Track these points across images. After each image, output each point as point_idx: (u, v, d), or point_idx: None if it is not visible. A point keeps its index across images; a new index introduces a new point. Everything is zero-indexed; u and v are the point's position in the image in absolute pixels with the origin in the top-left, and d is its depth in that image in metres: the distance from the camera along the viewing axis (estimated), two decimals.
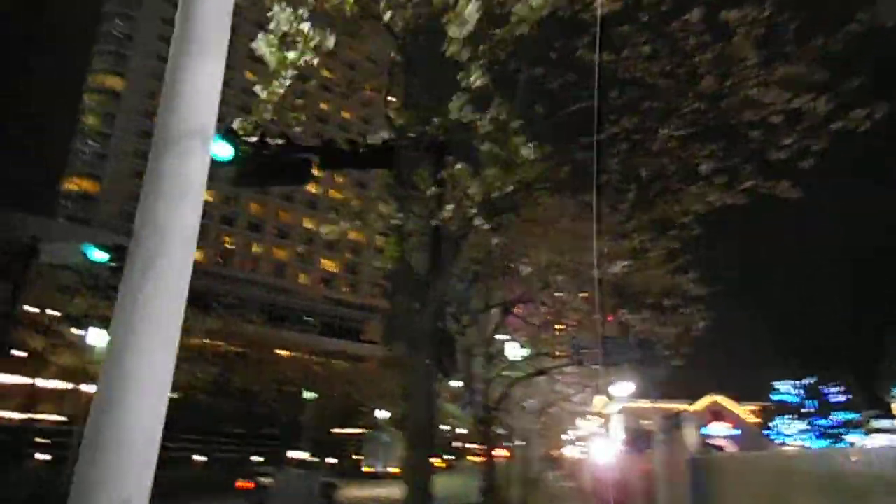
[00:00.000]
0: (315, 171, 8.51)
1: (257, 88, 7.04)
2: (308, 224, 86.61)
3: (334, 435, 50.03)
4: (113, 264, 15.78)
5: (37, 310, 21.46)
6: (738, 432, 54.66)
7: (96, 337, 19.40)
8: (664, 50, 7.53)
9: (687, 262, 13.01)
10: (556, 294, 12.38)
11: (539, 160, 7.10)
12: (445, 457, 51.47)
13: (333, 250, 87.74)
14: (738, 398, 64.45)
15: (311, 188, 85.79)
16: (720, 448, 28.45)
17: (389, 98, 8.84)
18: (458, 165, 7.47)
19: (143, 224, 1.85)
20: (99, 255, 15.21)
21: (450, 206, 7.30)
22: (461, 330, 14.01)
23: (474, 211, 7.21)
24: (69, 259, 16.20)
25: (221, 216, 79.87)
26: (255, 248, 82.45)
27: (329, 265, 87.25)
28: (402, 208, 8.46)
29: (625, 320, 13.97)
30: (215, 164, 8.79)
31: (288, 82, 6.80)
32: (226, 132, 7.57)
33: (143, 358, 1.67)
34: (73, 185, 73.90)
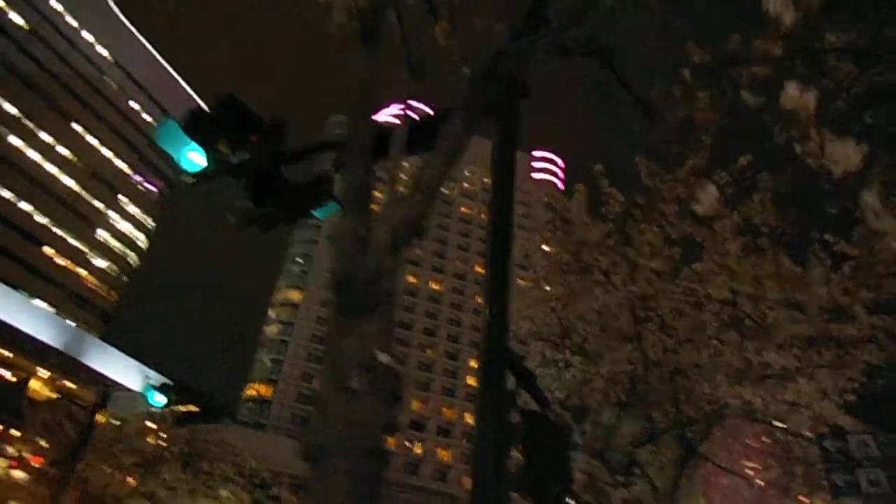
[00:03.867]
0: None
1: None
2: (470, 419, 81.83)
3: None
4: (176, 407, 13.44)
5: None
6: None
7: None
8: None
9: None
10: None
11: None
12: None
13: None
14: None
15: (470, 380, 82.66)
16: None
17: None
18: None
19: None
20: (159, 399, 12.96)
21: None
22: (614, 479, 8.74)
23: None
24: (137, 408, 14.02)
25: None
26: (418, 450, 78.35)
27: None
28: None
29: None
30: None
31: None
32: (190, 119, 4.89)
33: None
34: (252, 390, 78.65)
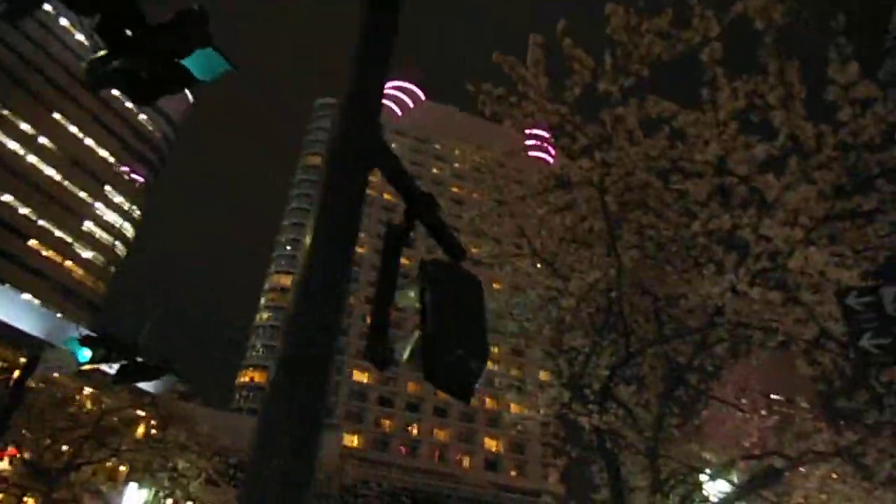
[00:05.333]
0: None
1: None
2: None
3: None
4: (103, 366, 12.10)
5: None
6: None
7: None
8: None
9: None
10: None
11: None
12: None
13: (497, 427, 79.80)
14: None
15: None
16: None
17: None
18: None
19: None
20: (86, 353, 11.59)
21: None
22: (587, 408, 7.26)
23: None
24: (68, 366, 12.61)
25: (379, 397, 77.68)
26: (415, 431, 77.44)
27: (492, 444, 78.53)
28: None
29: None
30: None
31: None
32: None
33: None
34: (245, 377, 77.60)
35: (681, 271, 7.49)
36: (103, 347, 11.74)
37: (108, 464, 18.45)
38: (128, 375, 12.19)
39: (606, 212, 6.89)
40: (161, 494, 19.27)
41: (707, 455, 10.12)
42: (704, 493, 9.62)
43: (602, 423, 7.16)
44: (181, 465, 18.78)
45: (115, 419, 18.19)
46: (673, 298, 7.75)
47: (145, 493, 17.88)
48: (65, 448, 17.37)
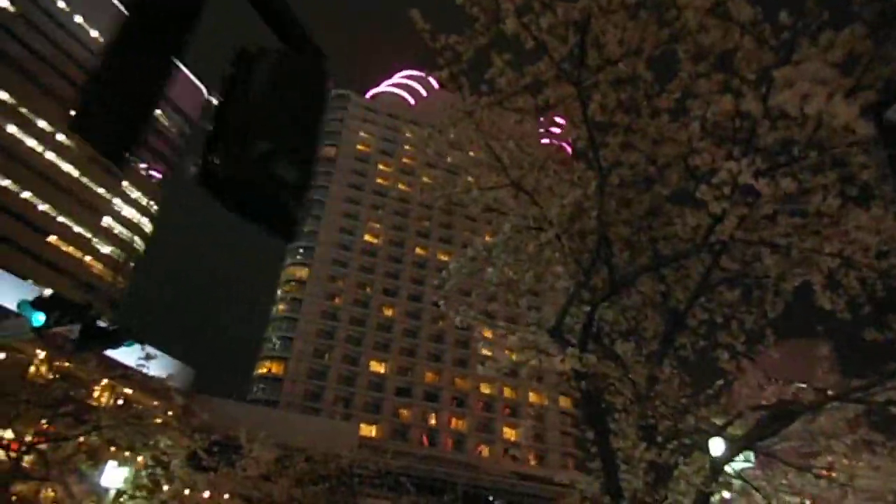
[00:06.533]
0: None
1: None
2: (486, 389, 79.83)
3: None
4: (57, 329, 11.31)
5: None
6: None
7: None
8: None
9: None
10: None
11: None
12: None
13: (517, 416, 78.70)
14: None
15: (484, 350, 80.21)
16: None
17: None
18: None
19: None
20: (41, 318, 10.80)
21: None
22: (561, 350, 6.15)
23: None
24: (24, 332, 11.76)
25: (396, 388, 77.06)
26: (433, 420, 76.69)
27: (512, 434, 77.46)
28: None
29: None
30: None
31: None
32: None
33: None
34: (263, 368, 77.51)
35: (676, 192, 6.32)
36: (57, 310, 10.96)
37: (83, 440, 17.84)
38: (89, 341, 11.37)
39: (585, 112, 5.75)
40: (143, 473, 18.61)
41: (715, 419, 8.93)
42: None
43: (581, 366, 6.04)
44: (163, 442, 18.07)
45: (86, 392, 17.50)
46: (669, 229, 6.56)
47: (125, 472, 17.26)
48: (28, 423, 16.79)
